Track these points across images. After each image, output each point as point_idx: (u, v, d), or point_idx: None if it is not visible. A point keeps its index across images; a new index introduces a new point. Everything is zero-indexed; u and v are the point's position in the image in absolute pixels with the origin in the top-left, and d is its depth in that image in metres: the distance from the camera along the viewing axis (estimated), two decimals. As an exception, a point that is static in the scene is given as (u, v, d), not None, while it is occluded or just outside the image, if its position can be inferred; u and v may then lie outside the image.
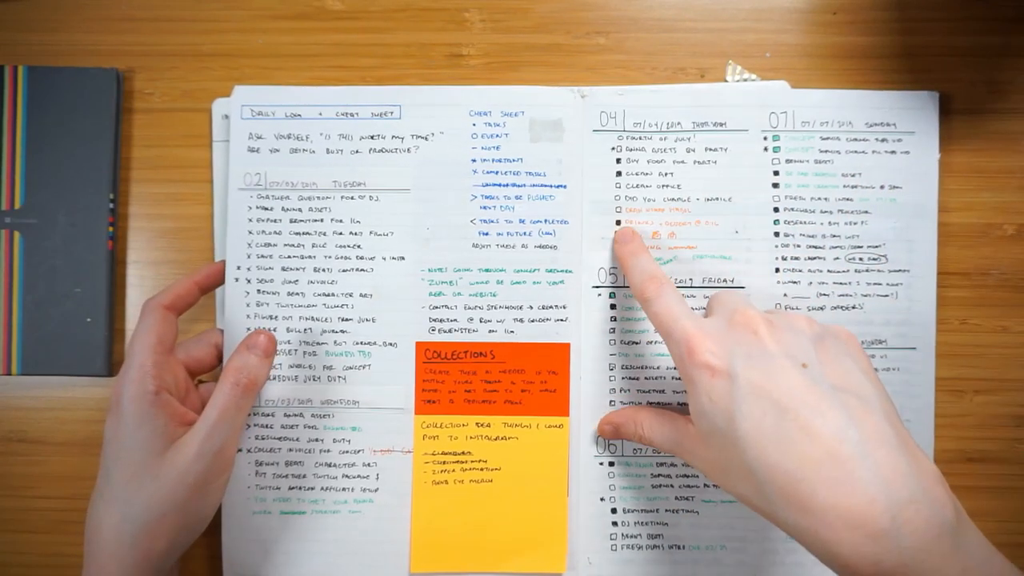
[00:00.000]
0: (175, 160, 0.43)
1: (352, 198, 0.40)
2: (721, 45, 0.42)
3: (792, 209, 0.40)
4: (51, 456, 0.43)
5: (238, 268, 0.40)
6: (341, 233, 0.40)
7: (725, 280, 0.40)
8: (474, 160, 0.40)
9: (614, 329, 0.40)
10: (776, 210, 0.40)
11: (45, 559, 0.43)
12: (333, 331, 0.40)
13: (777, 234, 0.40)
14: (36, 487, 0.43)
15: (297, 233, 0.40)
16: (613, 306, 0.40)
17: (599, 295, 0.40)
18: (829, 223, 0.40)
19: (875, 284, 0.40)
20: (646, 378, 0.40)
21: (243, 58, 0.42)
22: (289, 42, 0.42)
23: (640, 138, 0.40)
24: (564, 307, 0.40)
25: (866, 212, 0.40)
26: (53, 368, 0.41)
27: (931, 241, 0.40)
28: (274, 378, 0.40)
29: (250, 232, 0.40)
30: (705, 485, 0.40)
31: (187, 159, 0.43)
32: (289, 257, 0.40)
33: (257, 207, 0.40)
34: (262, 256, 0.40)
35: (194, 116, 0.43)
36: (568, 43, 0.42)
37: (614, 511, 0.40)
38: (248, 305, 0.40)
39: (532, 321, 0.40)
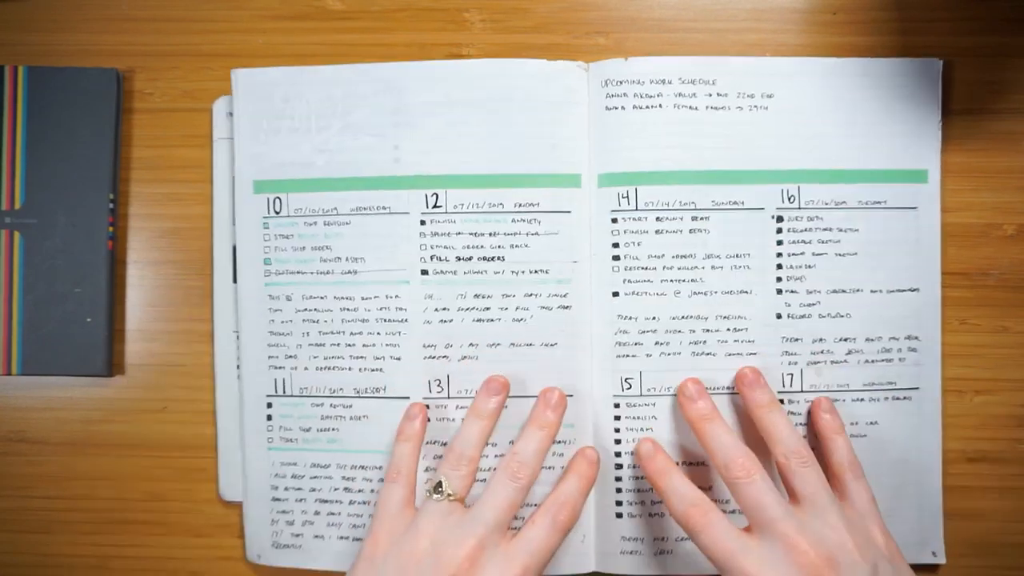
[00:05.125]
0: (175, 160, 0.43)
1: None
2: (721, 45, 0.42)
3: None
4: (51, 456, 0.43)
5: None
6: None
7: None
8: None
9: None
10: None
11: (44, 559, 0.43)
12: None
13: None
14: (36, 487, 0.43)
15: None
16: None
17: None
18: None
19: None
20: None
21: (243, 58, 0.42)
22: (289, 42, 0.42)
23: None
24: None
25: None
26: (53, 368, 0.41)
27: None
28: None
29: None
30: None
31: (187, 159, 0.43)
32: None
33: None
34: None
35: (194, 116, 0.43)
36: (568, 43, 0.42)
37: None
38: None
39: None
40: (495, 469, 0.37)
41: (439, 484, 0.36)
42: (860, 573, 0.32)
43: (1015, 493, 0.41)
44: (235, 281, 0.41)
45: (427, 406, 0.40)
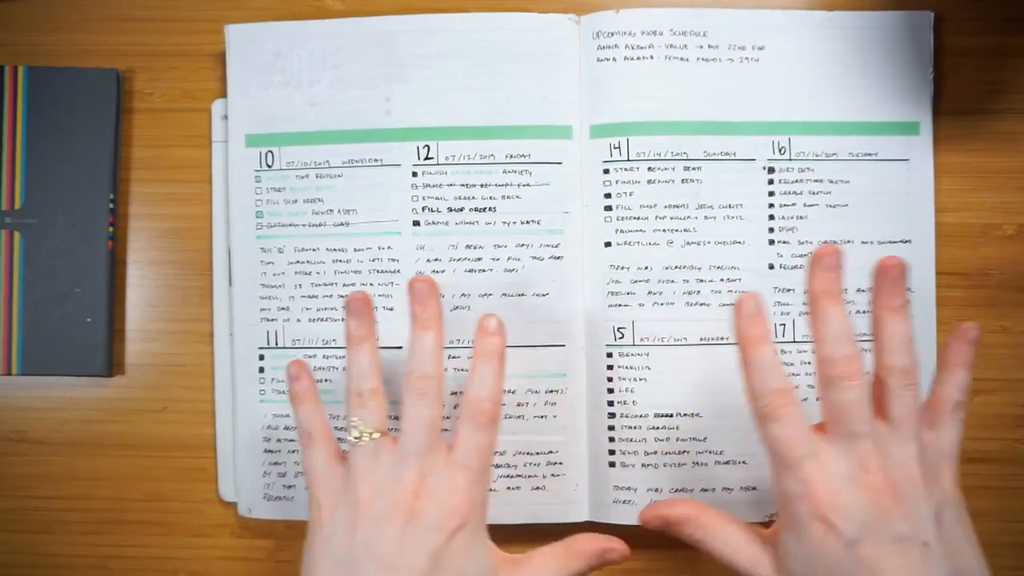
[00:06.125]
0: (175, 160, 0.43)
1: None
2: None
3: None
4: (51, 456, 0.43)
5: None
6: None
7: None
8: None
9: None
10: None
11: (44, 559, 0.43)
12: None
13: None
14: (36, 487, 0.43)
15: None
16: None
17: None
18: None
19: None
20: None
21: (243, 58, 0.42)
22: (289, 42, 0.42)
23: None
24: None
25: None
26: (53, 368, 0.41)
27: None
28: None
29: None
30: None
31: (187, 159, 0.43)
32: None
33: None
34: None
35: (194, 116, 0.43)
36: None
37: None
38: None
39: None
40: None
41: (354, 429, 0.34)
42: (924, 509, 0.30)
43: (1015, 493, 0.41)
44: (231, 285, 0.42)
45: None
